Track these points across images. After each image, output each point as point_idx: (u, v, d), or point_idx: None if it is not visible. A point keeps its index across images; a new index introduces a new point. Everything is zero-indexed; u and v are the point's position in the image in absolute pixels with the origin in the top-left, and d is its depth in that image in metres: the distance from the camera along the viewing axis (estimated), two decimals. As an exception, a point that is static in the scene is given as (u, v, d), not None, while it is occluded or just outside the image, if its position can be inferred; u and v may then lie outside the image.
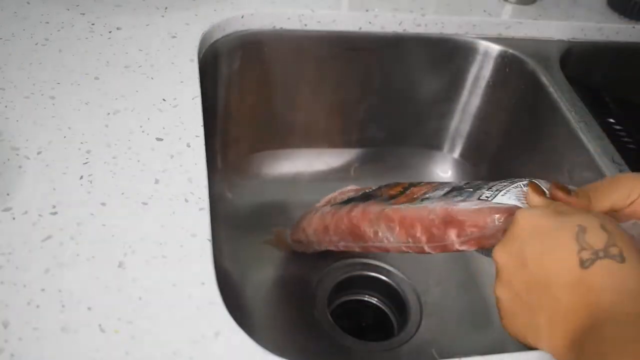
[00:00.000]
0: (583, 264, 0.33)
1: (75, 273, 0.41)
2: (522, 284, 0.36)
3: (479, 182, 0.49)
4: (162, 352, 0.37)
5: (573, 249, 0.34)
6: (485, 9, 0.76)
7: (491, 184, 0.47)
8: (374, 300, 0.71)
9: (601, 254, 0.33)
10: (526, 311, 0.37)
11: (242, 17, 0.69)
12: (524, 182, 0.44)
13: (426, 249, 0.47)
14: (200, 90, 0.57)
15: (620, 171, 0.62)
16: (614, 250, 0.33)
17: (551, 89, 0.69)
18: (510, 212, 0.42)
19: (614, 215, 0.40)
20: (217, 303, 0.40)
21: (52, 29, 0.62)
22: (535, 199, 0.41)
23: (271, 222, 0.75)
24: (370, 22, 0.72)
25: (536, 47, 0.75)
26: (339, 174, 0.83)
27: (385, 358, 0.63)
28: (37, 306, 0.39)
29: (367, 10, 0.72)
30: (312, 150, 0.82)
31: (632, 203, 0.39)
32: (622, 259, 0.33)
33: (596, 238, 0.34)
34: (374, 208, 0.53)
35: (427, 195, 0.50)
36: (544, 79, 0.70)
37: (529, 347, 0.38)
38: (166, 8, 0.67)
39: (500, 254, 0.39)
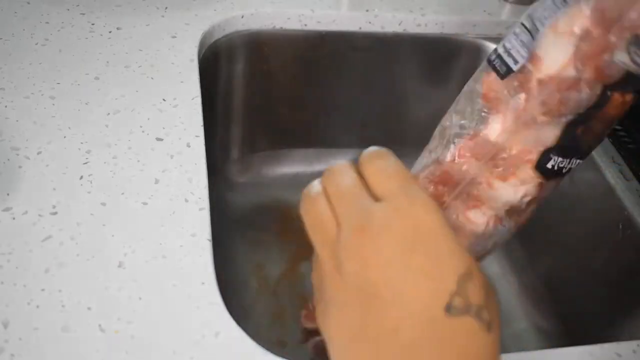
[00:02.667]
0: (449, 310, 0.26)
1: (75, 273, 0.41)
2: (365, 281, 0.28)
3: None
4: (162, 352, 0.37)
5: (450, 286, 0.26)
6: (485, 9, 0.76)
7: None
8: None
9: (473, 310, 0.27)
10: (353, 314, 0.28)
11: (242, 17, 0.69)
12: None
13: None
14: (200, 90, 0.57)
15: (620, 171, 0.62)
16: (485, 315, 0.27)
17: (551, 89, 0.68)
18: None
19: None
20: (217, 303, 0.40)
21: (52, 29, 0.62)
22: None
23: (271, 222, 0.75)
24: (370, 22, 0.72)
25: (536, 47, 0.74)
26: (339, 174, 0.82)
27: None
28: (37, 306, 0.39)
29: (367, 10, 0.72)
30: (312, 150, 0.82)
31: None
32: (489, 329, 0.27)
33: (477, 293, 0.27)
34: None
35: None
36: (544, 79, 0.70)
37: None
38: (166, 8, 0.67)
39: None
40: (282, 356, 0.38)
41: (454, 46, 0.75)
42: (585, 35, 0.35)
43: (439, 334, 0.26)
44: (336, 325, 0.29)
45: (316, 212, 0.31)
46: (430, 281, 0.27)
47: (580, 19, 0.34)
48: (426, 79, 0.78)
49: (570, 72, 0.35)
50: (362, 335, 0.27)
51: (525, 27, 0.38)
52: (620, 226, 0.60)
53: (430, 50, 0.75)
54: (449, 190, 0.42)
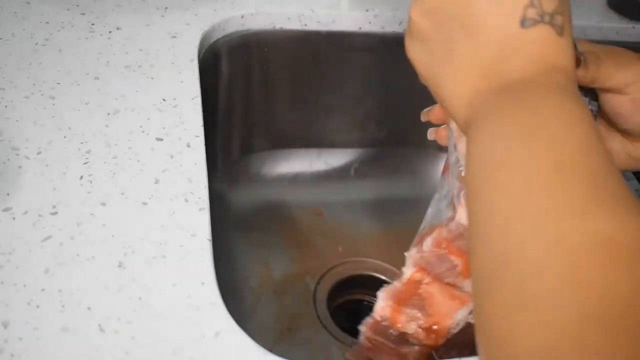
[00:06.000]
0: (524, 23, 0.30)
1: (75, 273, 0.41)
2: (448, 17, 0.32)
3: None
4: (162, 352, 0.37)
5: (522, 2, 0.30)
6: (485, 9, 0.76)
7: None
8: (374, 300, 0.71)
9: (547, 18, 0.30)
10: (440, 46, 0.33)
11: (242, 17, 0.69)
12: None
13: None
14: (200, 90, 0.57)
15: (621, 171, 0.62)
16: (558, 20, 0.30)
17: (551, 89, 0.68)
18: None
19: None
20: (217, 303, 0.40)
21: (52, 29, 0.62)
22: None
23: (271, 222, 0.75)
24: (370, 22, 0.72)
25: (536, 47, 0.74)
26: (339, 174, 0.83)
27: (385, 358, 0.63)
28: (37, 306, 0.39)
29: (367, 10, 0.72)
30: (312, 150, 0.82)
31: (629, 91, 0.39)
32: (561, 32, 0.30)
33: (550, 0, 0.30)
34: None
35: None
36: (544, 79, 0.70)
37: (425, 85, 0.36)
38: (166, 8, 0.67)
39: None
40: (282, 356, 0.38)
41: (454, 46, 0.75)
42: None
43: (517, 46, 0.30)
44: (424, 59, 0.35)
45: None
46: (503, 1, 0.30)
47: None
48: (426, 79, 0.78)
49: None
50: (450, 60, 0.32)
51: None
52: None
53: (430, 50, 0.75)
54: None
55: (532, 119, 0.27)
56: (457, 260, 0.42)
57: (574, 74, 0.30)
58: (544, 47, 0.30)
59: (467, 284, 0.43)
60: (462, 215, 0.41)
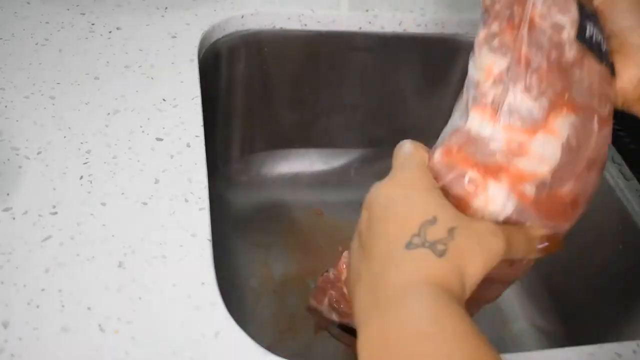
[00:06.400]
0: (408, 246, 0.34)
1: (75, 273, 0.41)
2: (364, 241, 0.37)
3: None
4: (162, 352, 0.37)
5: (412, 230, 0.34)
6: (485, 9, 0.76)
7: None
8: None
9: (427, 244, 0.34)
10: (355, 263, 0.38)
11: (242, 17, 0.69)
12: None
13: None
14: (200, 90, 0.57)
15: (620, 171, 0.62)
16: (440, 247, 0.34)
17: (551, 89, 0.68)
18: None
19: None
20: (217, 303, 0.40)
21: (52, 29, 0.62)
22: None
23: (271, 222, 0.75)
24: (370, 22, 0.72)
25: (536, 47, 0.74)
26: (339, 174, 0.83)
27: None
28: (37, 306, 0.39)
29: (367, 10, 0.72)
30: (312, 150, 0.82)
31: None
32: (442, 255, 0.33)
33: (436, 233, 0.34)
34: None
35: None
36: (544, 79, 0.70)
37: None
38: (166, 8, 0.67)
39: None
40: (282, 356, 0.38)
41: (454, 46, 0.75)
42: None
43: (397, 263, 0.34)
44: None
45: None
46: (397, 227, 0.35)
47: None
48: (426, 79, 0.78)
49: None
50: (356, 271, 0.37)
51: None
52: (620, 226, 0.60)
53: (430, 50, 0.75)
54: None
55: (405, 330, 0.31)
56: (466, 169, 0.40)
57: (453, 287, 0.33)
58: (421, 264, 0.33)
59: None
60: (472, 120, 0.40)
